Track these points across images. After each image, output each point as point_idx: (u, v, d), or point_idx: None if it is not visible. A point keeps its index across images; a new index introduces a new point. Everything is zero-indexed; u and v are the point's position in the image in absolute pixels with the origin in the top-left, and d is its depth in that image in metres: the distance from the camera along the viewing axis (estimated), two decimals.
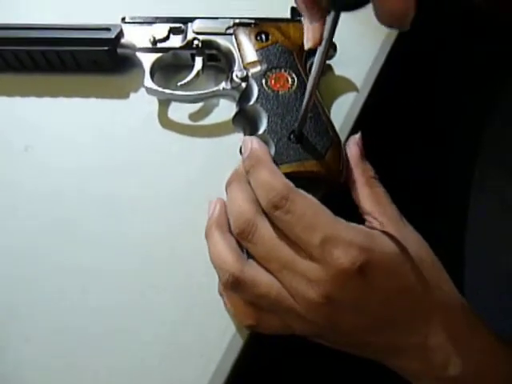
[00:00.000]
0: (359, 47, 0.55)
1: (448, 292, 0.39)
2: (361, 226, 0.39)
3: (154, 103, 0.53)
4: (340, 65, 0.54)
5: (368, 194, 0.42)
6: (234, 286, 0.38)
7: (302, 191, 0.38)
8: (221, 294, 0.41)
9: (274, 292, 0.37)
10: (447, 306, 0.39)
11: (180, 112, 0.52)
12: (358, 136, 0.46)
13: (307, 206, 0.37)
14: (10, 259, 0.45)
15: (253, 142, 0.42)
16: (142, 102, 0.53)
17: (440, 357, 0.37)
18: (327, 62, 0.54)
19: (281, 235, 0.38)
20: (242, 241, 0.39)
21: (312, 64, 0.50)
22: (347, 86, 0.54)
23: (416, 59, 0.66)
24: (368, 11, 0.58)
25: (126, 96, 0.53)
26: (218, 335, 0.41)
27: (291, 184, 0.39)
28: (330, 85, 0.53)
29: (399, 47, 0.58)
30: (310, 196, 0.38)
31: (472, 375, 0.37)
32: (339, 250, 0.36)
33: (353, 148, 0.45)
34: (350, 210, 0.42)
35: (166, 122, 0.52)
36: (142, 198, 0.47)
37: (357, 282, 0.36)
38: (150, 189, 0.48)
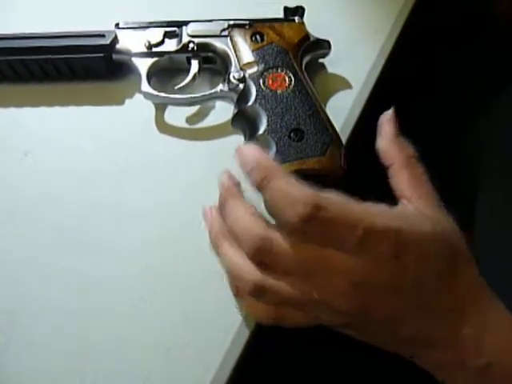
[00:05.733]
0: (359, 45, 0.55)
1: (477, 280, 0.37)
2: (393, 208, 0.37)
3: (150, 108, 0.52)
4: (340, 63, 0.55)
5: (407, 177, 0.39)
6: (257, 294, 0.36)
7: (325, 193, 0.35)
8: (235, 295, 0.40)
9: (298, 294, 0.35)
10: (479, 294, 0.37)
11: (177, 116, 0.52)
12: (390, 112, 0.42)
13: (340, 206, 0.35)
14: (9, 264, 0.44)
15: (254, 151, 0.38)
16: (139, 108, 0.52)
17: (473, 346, 0.35)
18: (323, 60, 0.54)
19: (299, 241, 0.35)
20: (262, 258, 0.36)
21: (308, 62, 0.51)
22: (345, 84, 0.54)
23: (416, 59, 0.66)
24: (367, 10, 0.59)
25: (122, 102, 0.53)
26: (219, 339, 0.41)
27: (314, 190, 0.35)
28: (327, 83, 0.54)
29: (400, 46, 0.58)
30: (335, 195, 0.35)
31: (500, 362, 0.35)
32: (376, 239, 0.34)
33: (386, 125, 0.41)
34: None
35: (163, 126, 0.51)
36: (141, 204, 0.47)
37: (390, 265, 0.34)
38: (149, 194, 0.48)
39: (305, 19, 0.53)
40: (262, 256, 0.36)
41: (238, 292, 0.40)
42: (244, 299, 0.40)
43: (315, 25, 0.53)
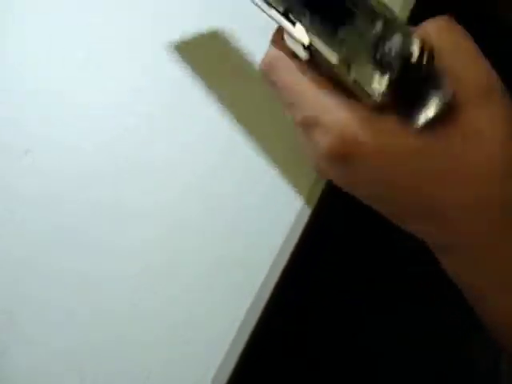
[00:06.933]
0: None
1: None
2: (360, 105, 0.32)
3: (148, 105, 0.52)
4: None
5: None
6: None
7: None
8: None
9: None
10: None
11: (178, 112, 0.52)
12: None
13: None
14: (9, 264, 0.44)
15: None
16: (137, 104, 0.52)
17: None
18: None
19: None
20: None
21: None
22: None
23: None
24: None
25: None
26: (219, 339, 0.41)
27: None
28: None
29: None
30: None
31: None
32: (318, 133, 0.32)
33: None
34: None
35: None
36: (141, 204, 0.47)
37: (341, 169, 0.33)
38: (149, 194, 0.47)
39: None
40: None
41: None
42: None
43: None
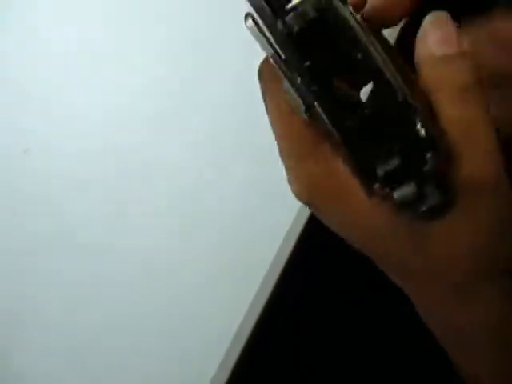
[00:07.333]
0: None
1: None
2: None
3: (148, 105, 0.52)
4: None
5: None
6: None
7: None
8: None
9: None
10: None
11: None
12: None
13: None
14: (9, 264, 0.45)
15: None
16: (138, 106, 0.52)
17: None
18: None
19: None
20: None
21: None
22: None
23: None
24: None
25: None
26: (218, 339, 0.41)
27: None
28: None
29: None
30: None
31: None
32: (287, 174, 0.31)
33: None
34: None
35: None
36: (143, 203, 0.47)
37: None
38: (151, 194, 0.47)
39: None
40: None
41: None
42: None
43: None
